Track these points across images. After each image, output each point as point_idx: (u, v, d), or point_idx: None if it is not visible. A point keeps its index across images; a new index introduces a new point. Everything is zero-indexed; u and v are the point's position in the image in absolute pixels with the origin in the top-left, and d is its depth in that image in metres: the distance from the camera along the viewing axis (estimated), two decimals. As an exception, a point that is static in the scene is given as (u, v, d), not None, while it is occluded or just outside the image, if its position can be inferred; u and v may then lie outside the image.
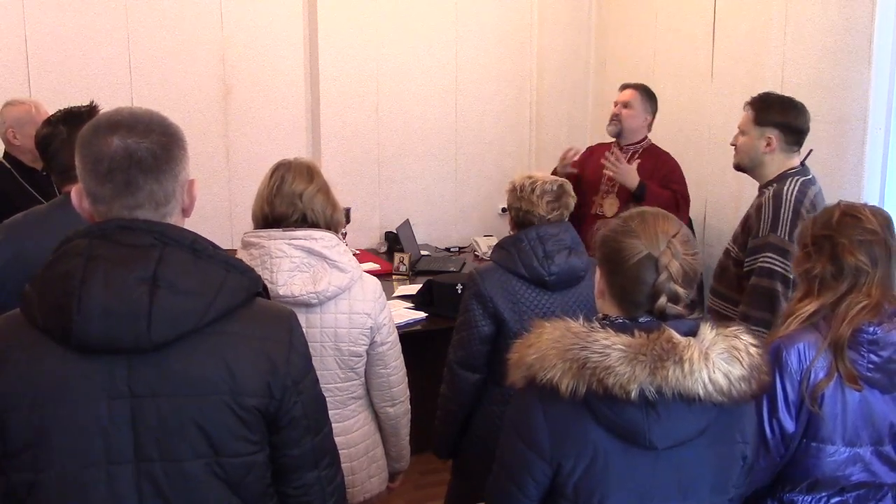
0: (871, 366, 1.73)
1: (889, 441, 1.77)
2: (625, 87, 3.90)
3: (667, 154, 3.86)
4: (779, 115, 2.78)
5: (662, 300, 1.44)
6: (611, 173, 3.71)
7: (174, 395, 1.26)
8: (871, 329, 1.71)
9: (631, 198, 3.64)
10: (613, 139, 3.92)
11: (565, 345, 1.40)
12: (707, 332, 1.42)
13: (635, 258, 1.46)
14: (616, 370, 1.35)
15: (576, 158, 3.93)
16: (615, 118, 3.86)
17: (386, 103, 4.85)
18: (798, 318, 1.78)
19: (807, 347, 1.73)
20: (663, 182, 3.74)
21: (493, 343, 2.41)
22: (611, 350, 1.37)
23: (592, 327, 1.42)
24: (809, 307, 1.78)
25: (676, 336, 1.39)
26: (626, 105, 3.83)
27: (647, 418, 1.39)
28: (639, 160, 3.77)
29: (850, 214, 1.79)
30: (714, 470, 1.48)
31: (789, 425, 1.74)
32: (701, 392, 1.37)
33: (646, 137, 3.88)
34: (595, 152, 4.03)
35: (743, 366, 1.41)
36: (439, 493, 2.94)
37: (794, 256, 1.92)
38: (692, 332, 1.42)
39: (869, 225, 1.76)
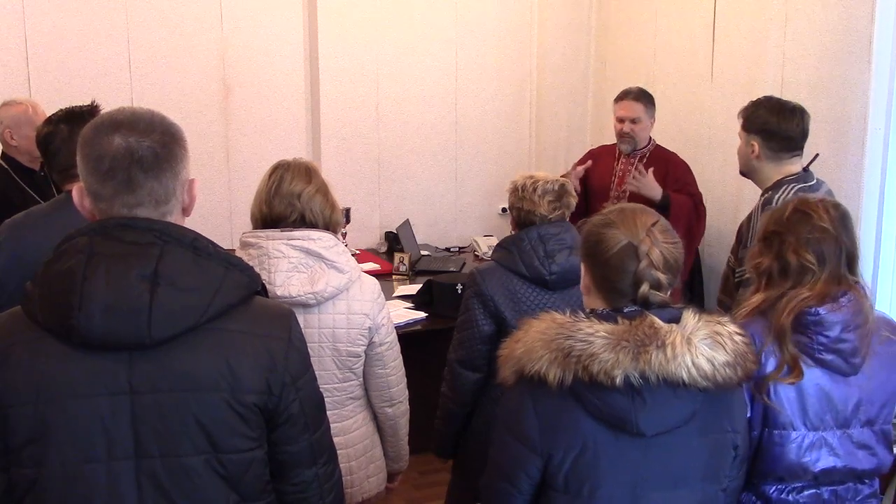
0: (820, 347, 1.72)
1: (860, 424, 1.77)
2: (622, 97, 3.83)
3: (675, 156, 3.84)
4: (761, 122, 2.73)
5: (645, 287, 1.47)
6: (633, 189, 3.67)
7: (174, 391, 1.27)
8: (814, 310, 1.70)
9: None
10: (616, 145, 3.91)
11: (550, 336, 1.43)
12: (690, 318, 1.44)
13: (616, 247, 1.49)
14: (600, 357, 1.38)
15: (580, 174, 3.87)
16: (626, 136, 3.81)
17: (386, 103, 4.85)
18: (742, 312, 1.79)
19: (756, 333, 1.73)
20: (677, 186, 3.72)
21: (493, 342, 2.40)
22: (594, 337, 1.40)
23: (577, 318, 1.45)
24: (754, 301, 1.79)
25: (658, 322, 1.41)
26: (634, 121, 3.79)
27: (633, 405, 1.41)
28: (653, 167, 3.73)
29: (802, 211, 1.78)
30: (705, 458, 1.49)
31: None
32: (685, 376, 1.39)
33: (650, 140, 3.87)
34: (599, 157, 4.01)
35: (727, 351, 1.43)
36: (439, 493, 2.94)
37: (751, 249, 1.91)
38: (675, 320, 1.44)
39: (819, 222, 1.75)
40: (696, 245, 3.82)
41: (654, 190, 3.62)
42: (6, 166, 3.36)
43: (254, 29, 4.54)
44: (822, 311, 1.71)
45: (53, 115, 2.28)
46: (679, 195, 3.67)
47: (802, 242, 1.74)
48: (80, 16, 4.15)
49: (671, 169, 3.77)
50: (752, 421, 1.74)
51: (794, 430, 1.73)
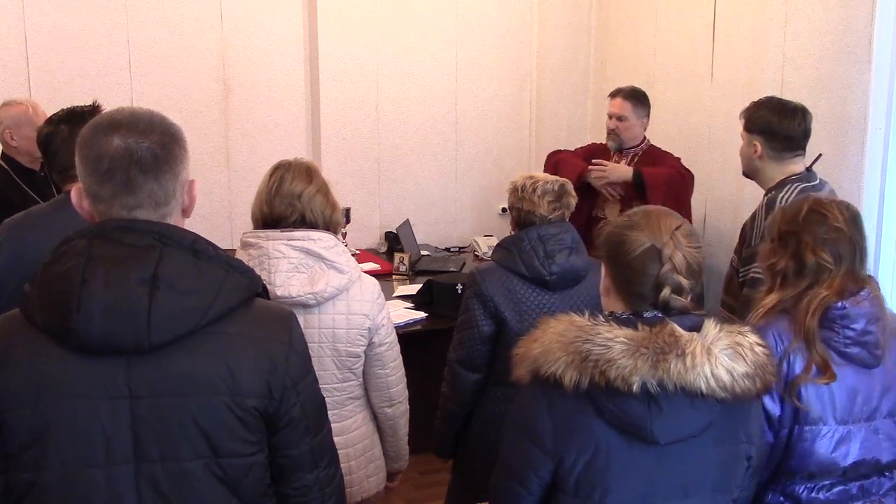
0: (847, 340, 1.74)
1: (883, 415, 1.78)
2: (614, 95, 3.88)
3: (667, 153, 3.86)
4: (762, 122, 2.74)
5: (666, 291, 1.46)
6: (604, 182, 3.74)
7: (174, 395, 1.26)
8: (840, 304, 1.72)
9: (634, 194, 3.64)
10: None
11: (569, 338, 1.42)
12: (711, 327, 1.43)
13: (639, 250, 1.48)
14: (618, 363, 1.36)
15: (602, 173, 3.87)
16: (613, 133, 3.86)
17: (386, 103, 4.85)
18: (758, 314, 1.80)
19: (781, 332, 1.75)
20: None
21: (493, 343, 2.41)
22: (613, 343, 1.38)
23: (596, 321, 1.43)
24: (769, 300, 1.80)
25: (679, 330, 1.40)
26: (620, 118, 3.83)
27: (649, 412, 1.39)
28: (626, 158, 3.81)
29: (817, 211, 1.79)
30: (718, 468, 1.48)
31: (774, 409, 1.74)
32: (703, 387, 1.37)
33: (644, 139, 3.89)
34: (594, 154, 4.01)
35: (747, 363, 1.41)
36: (439, 493, 2.94)
37: (763, 249, 1.93)
38: (696, 328, 1.43)
39: (835, 223, 1.76)
40: (688, 210, 3.79)
41: (623, 172, 3.69)
42: (6, 167, 3.35)
43: (254, 29, 4.53)
44: (847, 304, 1.73)
45: (54, 114, 2.28)
46: (654, 168, 3.68)
47: (819, 242, 1.75)
48: (80, 16, 4.15)
49: (659, 163, 3.79)
50: (782, 419, 1.75)
51: (825, 424, 1.74)
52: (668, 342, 1.38)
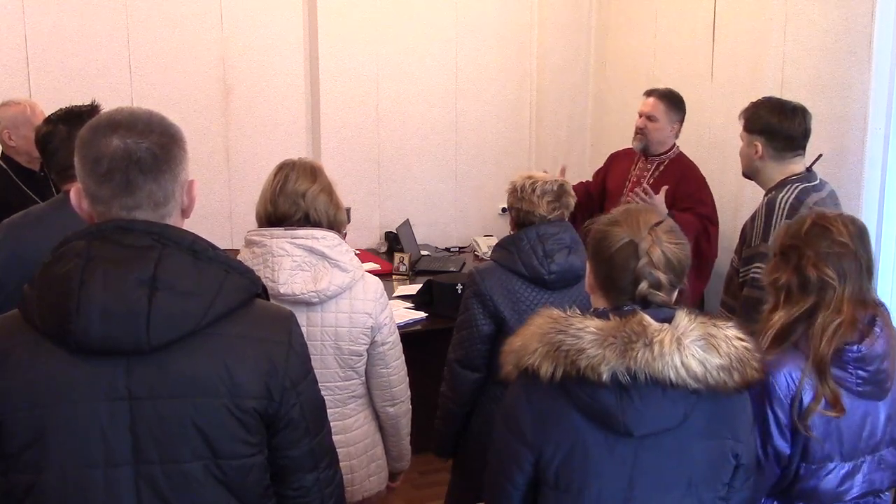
0: (859, 381, 1.71)
1: (886, 445, 1.76)
2: (649, 94, 3.67)
3: (694, 166, 3.69)
4: (763, 122, 2.73)
5: (643, 285, 1.47)
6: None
7: (173, 396, 1.26)
8: (856, 347, 1.68)
9: None
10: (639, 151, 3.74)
11: (545, 330, 1.44)
12: (683, 318, 1.43)
13: (618, 245, 1.49)
14: (587, 352, 1.38)
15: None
16: (640, 132, 3.64)
17: (386, 103, 4.85)
18: (767, 336, 1.74)
19: (793, 371, 1.70)
20: (690, 200, 3.56)
21: (493, 342, 2.41)
22: (584, 333, 1.40)
23: (572, 314, 1.45)
24: (776, 319, 1.74)
25: (648, 319, 1.41)
26: (650, 118, 3.62)
27: (620, 403, 1.40)
28: (666, 186, 3.50)
29: (821, 225, 1.74)
30: (701, 464, 1.47)
31: (785, 448, 1.72)
32: (672, 376, 1.38)
33: (674, 145, 3.70)
34: (617, 159, 3.91)
35: (720, 354, 1.41)
36: (439, 493, 2.94)
37: (766, 265, 1.88)
38: (669, 320, 1.43)
39: (839, 237, 1.71)
40: (708, 269, 3.63)
41: (659, 210, 3.38)
42: (5, 167, 3.36)
43: (254, 29, 4.54)
44: (863, 347, 1.69)
45: (53, 114, 2.28)
46: (684, 215, 3.43)
47: (822, 257, 1.70)
48: (80, 16, 4.15)
49: (683, 183, 3.60)
50: (792, 456, 1.72)
51: (831, 462, 1.72)
52: (637, 331, 1.39)
